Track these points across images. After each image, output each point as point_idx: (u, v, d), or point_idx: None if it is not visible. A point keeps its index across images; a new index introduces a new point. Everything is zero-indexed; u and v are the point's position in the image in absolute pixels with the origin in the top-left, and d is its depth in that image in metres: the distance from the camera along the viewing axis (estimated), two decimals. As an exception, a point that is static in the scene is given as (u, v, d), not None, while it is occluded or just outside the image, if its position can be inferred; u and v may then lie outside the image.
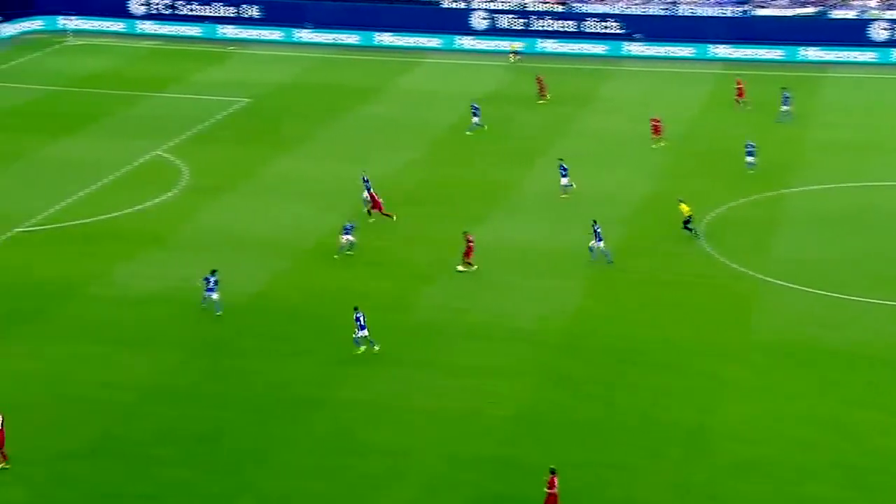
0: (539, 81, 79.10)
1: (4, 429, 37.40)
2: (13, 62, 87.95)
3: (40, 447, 38.40)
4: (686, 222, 54.55)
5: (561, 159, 61.11)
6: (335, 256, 52.05)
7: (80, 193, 60.42)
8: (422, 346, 45.29)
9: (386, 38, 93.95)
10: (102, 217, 57.16)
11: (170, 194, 60.76)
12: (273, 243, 54.29)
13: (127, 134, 70.99)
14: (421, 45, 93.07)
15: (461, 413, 40.65)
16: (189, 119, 73.83)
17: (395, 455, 38.36)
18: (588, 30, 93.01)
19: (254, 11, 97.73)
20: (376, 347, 44.23)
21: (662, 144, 67.47)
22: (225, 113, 75.83)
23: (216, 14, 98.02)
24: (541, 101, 77.83)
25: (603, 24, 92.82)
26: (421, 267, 51.79)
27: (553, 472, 35.56)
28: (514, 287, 50.12)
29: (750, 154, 63.19)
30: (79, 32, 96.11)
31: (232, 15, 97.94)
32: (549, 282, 50.56)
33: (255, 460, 38.00)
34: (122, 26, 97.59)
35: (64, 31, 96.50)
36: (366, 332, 44.07)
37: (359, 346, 44.18)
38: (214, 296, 47.28)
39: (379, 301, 48.64)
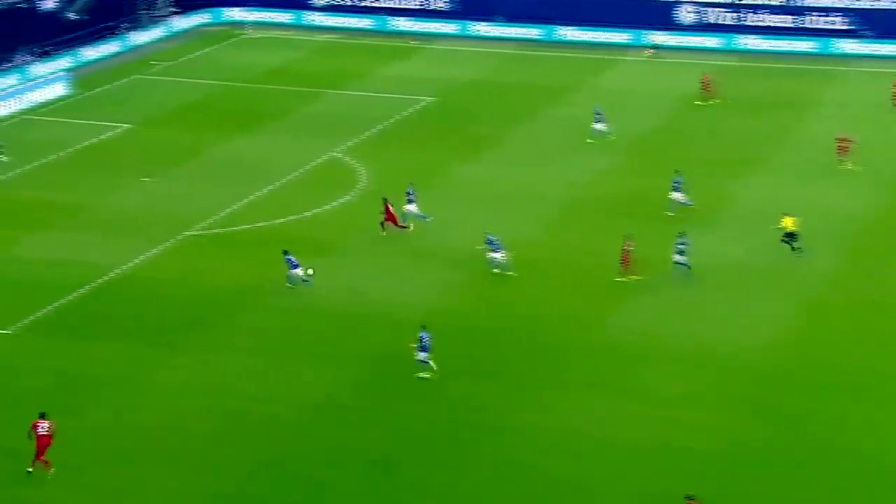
0: (705, 81, 77.30)
1: (52, 434, 37.95)
2: (190, 55, 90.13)
3: (201, 464, 38.88)
4: (788, 235, 52.76)
5: (678, 171, 59.34)
6: (494, 271, 51.83)
7: (254, 195, 61.33)
8: (610, 369, 44.54)
9: (575, 34, 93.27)
10: (276, 221, 57.85)
11: (346, 199, 61.23)
12: (455, 254, 54.16)
13: (303, 133, 71.91)
14: (616, 41, 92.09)
15: (651, 445, 39.78)
16: (369, 118, 74.40)
17: (579, 489, 37.67)
18: (806, 25, 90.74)
19: (440, 3, 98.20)
20: (427, 375, 43.55)
21: (850, 167, 64.31)
22: (407, 112, 76.23)
23: (396, 6, 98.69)
24: (699, 103, 76.08)
25: (825, 18, 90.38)
26: (613, 284, 51.01)
27: (689, 498, 34.56)
28: (715, 309, 48.95)
29: None
30: (246, 24, 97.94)
31: (416, 7, 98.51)
32: (755, 304, 49.24)
33: (430, 489, 37.78)
34: (289, 17, 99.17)
35: (242, 24, 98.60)
36: (426, 355, 43.54)
37: (421, 370, 43.78)
38: (299, 271, 49.41)
39: (567, 319, 48.10)
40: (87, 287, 50.80)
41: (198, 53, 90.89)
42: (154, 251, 54.60)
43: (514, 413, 41.67)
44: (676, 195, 58.18)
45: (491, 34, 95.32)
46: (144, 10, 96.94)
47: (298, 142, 70.00)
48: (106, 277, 51.72)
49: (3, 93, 76.42)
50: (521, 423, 41.11)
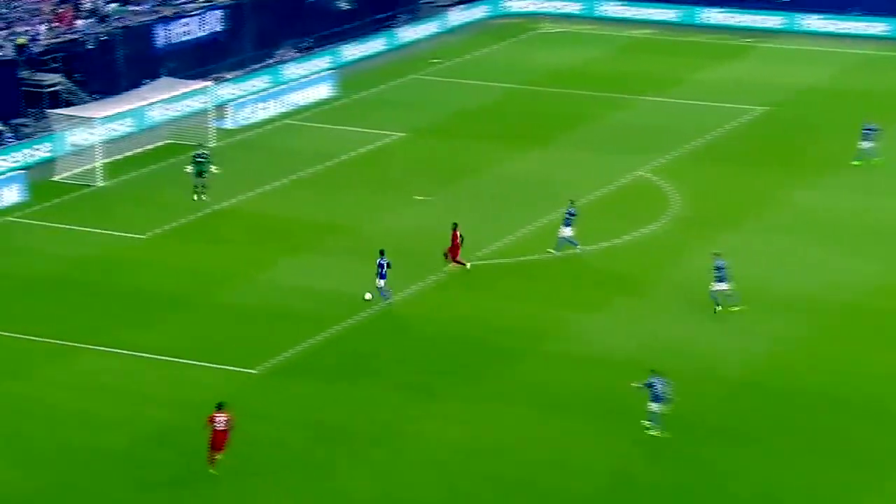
0: None
1: (229, 429, 40.33)
2: (474, 53, 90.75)
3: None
4: None
5: None
6: (717, 309, 51.03)
7: (543, 220, 61.03)
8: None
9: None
10: (569, 251, 57.31)
11: (653, 227, 60.41)
12: (788, 299, 52.73)
13: (604, 147, 71.54)
14: None
15: None
16: (684, 131, 73.64)
17: None
18: None
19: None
20: (656, 432, 42.66)
21: None
22: (732, 124, 75.07)
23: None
24: None
25: None
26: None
27: None
28: None
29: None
30: (541, 16, 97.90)
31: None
32: None
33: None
34: (580, 7, 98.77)
35: (534, 16, 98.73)
36: (658, 407, 42.66)
37: (653, 426, 42.89)
38: (382, 282, 51.33)
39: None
40: (345, 322, 51.24)
41: (483, 51, 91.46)
42: (424, 283, 54.83)
43: (831, 498, 40.08)
44: None
45: (825, 29, 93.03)
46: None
47: (598, 157, 69.71)
48: (367, 312, 52.11)
49: (262, 94, 78.36)
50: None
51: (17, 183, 64.23)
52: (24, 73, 71.94)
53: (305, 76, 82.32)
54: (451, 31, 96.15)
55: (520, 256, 57.30)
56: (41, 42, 73.12)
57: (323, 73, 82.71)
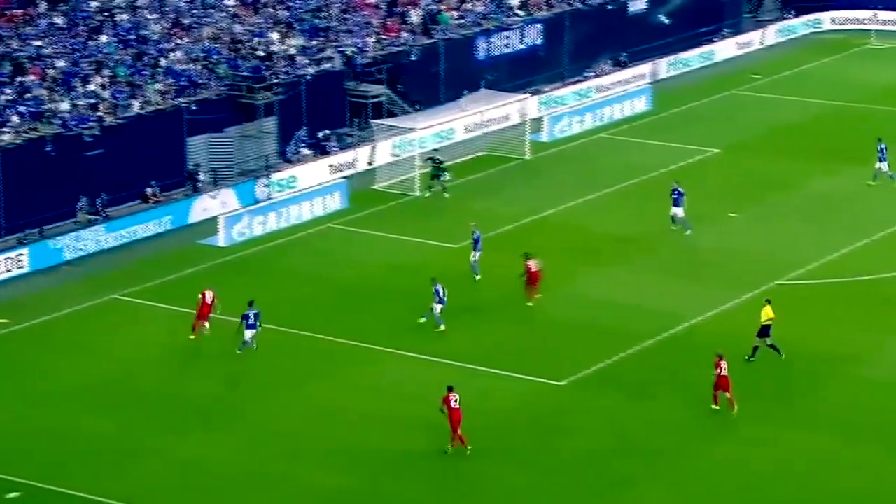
0: None
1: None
2: (798, 68, 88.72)
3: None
4: (763, 330, 47.89)
5: None
6: None
7: (864, 241, 60.10)
8: None
9: None
10: (889, 275, 56.18)
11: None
12: None
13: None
14: None
15: None
16: None
17: None
18: None
19: None
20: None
21: None
22: None
23: None
24: None
25: None
26: None
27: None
28: None
29: None
30: (872, 31, 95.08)
31: None
32: None
33: None
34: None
35: (866, 32, 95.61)
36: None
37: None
38: (248, 333, 49.27)
39: None
40: (651, 339, 51.13)
41: (808, 66, 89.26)
42: (734, 302, 54.27)
43: None
44: None
45: None
46: (749, 13, 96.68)
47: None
48: (675, 329, 51.91)
49: (577, 107, 78.39)
50: None
51: (339, 190, 65.76)
52: (350, 84, 73.63)
53: (622, 90, 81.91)
54: (780, 44, 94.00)
55: (836, 277, 56.17)
56: (367, 54, 74.60)
57: (639, 87, 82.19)
